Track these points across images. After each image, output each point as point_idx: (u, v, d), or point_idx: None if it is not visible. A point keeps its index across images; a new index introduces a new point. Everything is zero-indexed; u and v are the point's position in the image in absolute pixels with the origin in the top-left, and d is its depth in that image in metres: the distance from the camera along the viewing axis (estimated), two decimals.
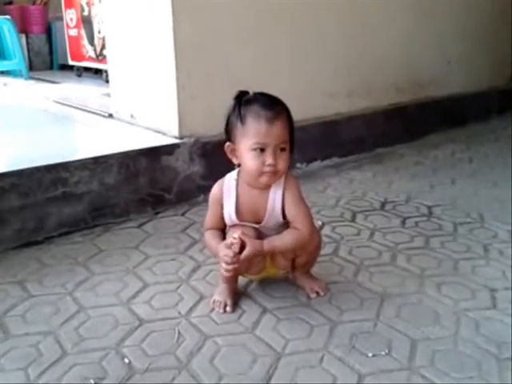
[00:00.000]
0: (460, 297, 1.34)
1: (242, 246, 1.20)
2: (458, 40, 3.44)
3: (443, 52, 3.34)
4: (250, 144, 1.17)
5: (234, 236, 1.20)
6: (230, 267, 1.20)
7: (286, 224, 1.28)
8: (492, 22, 3.69)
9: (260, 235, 1.28)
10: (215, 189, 1.30)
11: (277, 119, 1.17)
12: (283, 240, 1.24)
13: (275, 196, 1.26)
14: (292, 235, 1.25)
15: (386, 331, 1.20)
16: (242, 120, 1.18)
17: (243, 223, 1.27)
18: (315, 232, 1.33)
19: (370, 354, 1.11)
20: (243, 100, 1.20)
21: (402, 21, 2.99)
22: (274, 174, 1.20)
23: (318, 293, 1.37)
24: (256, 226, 1.28)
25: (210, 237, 1.31)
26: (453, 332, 1.19)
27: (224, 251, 1.21)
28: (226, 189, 1.28)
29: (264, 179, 1.21)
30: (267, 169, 1.18)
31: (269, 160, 1.17)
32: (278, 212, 1.26)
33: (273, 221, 1.28)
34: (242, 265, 1.22)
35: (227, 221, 1.29)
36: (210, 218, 1.33)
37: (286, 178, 1.26)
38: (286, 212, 1.26)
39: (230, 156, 1.25)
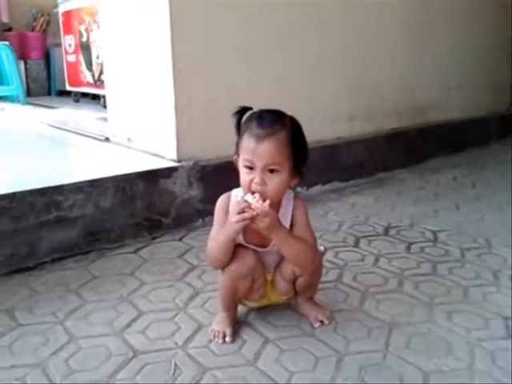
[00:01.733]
0: (472, 326, 1.28)
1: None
2: (458, 65, 3.44)
3: (443, 77, 3.34)
4: (242, 159, 1.15)
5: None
6: (246, 215, 1.09)
7: None
8: (492, 48, 3.72)
9: (260, 259, 1.23)
10: (222, 201, 1.24)
11: (267, 138, 1.11)
12: (296, 239, 1.18)
13: (284, 218, 1.21)
14: (303, 241, 1.19)
15: (397, 363, 1.13)
16: (240, 134, 1.17)
17: (247, 245, 1.22)
18: (317, 253, 1.28)
19: None
20: (248, 115, 1.17)
21: (402, 46, 3.00)
22: (262, 195, 1.13)
23: (322, 321, 1.30)
24: (259, 249, 1.23)
25: (215, 237, 1.21)
26: (467, 364, 1.12)
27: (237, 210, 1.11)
28: (234, 204, 1.21)
29: None
30: (254, 187, 1.13)
31: (255, 179, 1.12)
32: None
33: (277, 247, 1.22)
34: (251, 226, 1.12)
35: None
36: (217, 231, 1.22)
37: (295, 200, 1.23)
38: (294, 231, 1.21)
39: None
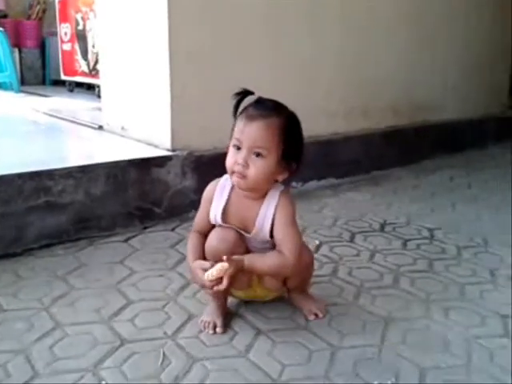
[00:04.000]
0: (470, 323, 1.25)
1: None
2: (456, 66, 3.43)
3: (441, 77, 3.32)
4: (232, 139, 1.12)
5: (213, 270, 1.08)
6: (213, 290, 1.11)
7: (272, 243, 1.18)
8: (489, 50, 3.70)
9: (242, 239, 1.19)
10: (209, 186, 1.22)
11: (258, 119, 1.08)
12: (265, 261, 1.14)
13: (266, 212, 1.16)
14: (275, 259, 1.14)
15: (392, 358, 1.09)
16: (235, 116, 1.14)
17: (227, 225, 1.18)
18: (304, 251, 1.22)
19: (376, 383, 1.01)
20: (248, 100, 1.14)
21: (401, 45, 2.97)
22: (242, 177, 1.10)
23: (316, 315, 1.26)
24: (243, 233, 1.19)
25: (190, 246, 1.21)
26: (465, 361, 1.09)
27: (200, 276, 1.10)
28: (220, 188, 1.20)
29: (234, 179, 1.13)
30: (235, 168, 1.10)
31: (239, 159, 1.09)
32: (267, 230, 1.16)
33: (260, 236, 1.18)
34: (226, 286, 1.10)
35: (212, 220, 1.20)
36: (199, 217, 1.24)
37: (281, 196, 1.16)
38: (274, 232, 1.16)
39: None
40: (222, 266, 1.07)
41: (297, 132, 1.15)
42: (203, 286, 1.13)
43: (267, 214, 1.16)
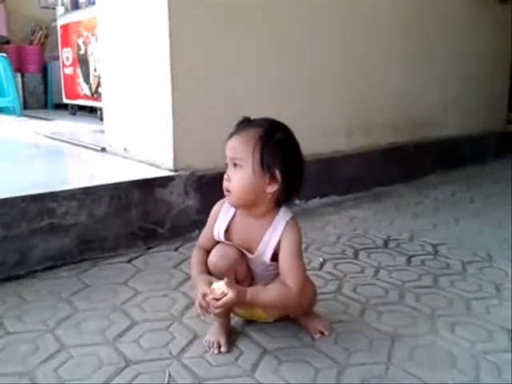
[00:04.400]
0: (476, 338, 1.24)
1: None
2: (455, 83, 3.46)
3: (441, 94, 3.35)
4: None
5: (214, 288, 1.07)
6: (205, 313, 1.10)
7: (275, 266, 1.18)
8: (489, 67, 3.74)
9: (244, 257, 1.19)
10: (217, 205, 1.24)
11: (239, 134, 1.12)
12: (268, 294, 1.12)
13: (270, 239, 1.16)
14: (279, 291, 1.12)
15: (400, 375, 1.08)
16: None
17: (230, 243, 1.19)
18: (308, 284, 1.21)
19: None
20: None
21: (401, 62, 3.01)
22: (228, 190, 1.12)
23: (322, 332, 1.25)
24: (246, 252, 1.19)
25: (195, 261, 1.21)
26: (473, 377, 1.08)
27: (199, 296, 1.09)
28: (227, 206, 1.20)
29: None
30: (223, 184, 1.13)
31: (225, 174, 1.13)
32: (268, 257, 1.17)
33: (260, 260, 1.19)
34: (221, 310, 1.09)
35: (215, 237, 1.21)
36: (204, 233, 1.25)
37: (287, 225, 1.16)
38: (280, 261, 1.15)
39: None
40: (220, 288, 1.06)
41: (279, 141, 1.12)
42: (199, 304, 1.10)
43: (271, 240, 1.16)
